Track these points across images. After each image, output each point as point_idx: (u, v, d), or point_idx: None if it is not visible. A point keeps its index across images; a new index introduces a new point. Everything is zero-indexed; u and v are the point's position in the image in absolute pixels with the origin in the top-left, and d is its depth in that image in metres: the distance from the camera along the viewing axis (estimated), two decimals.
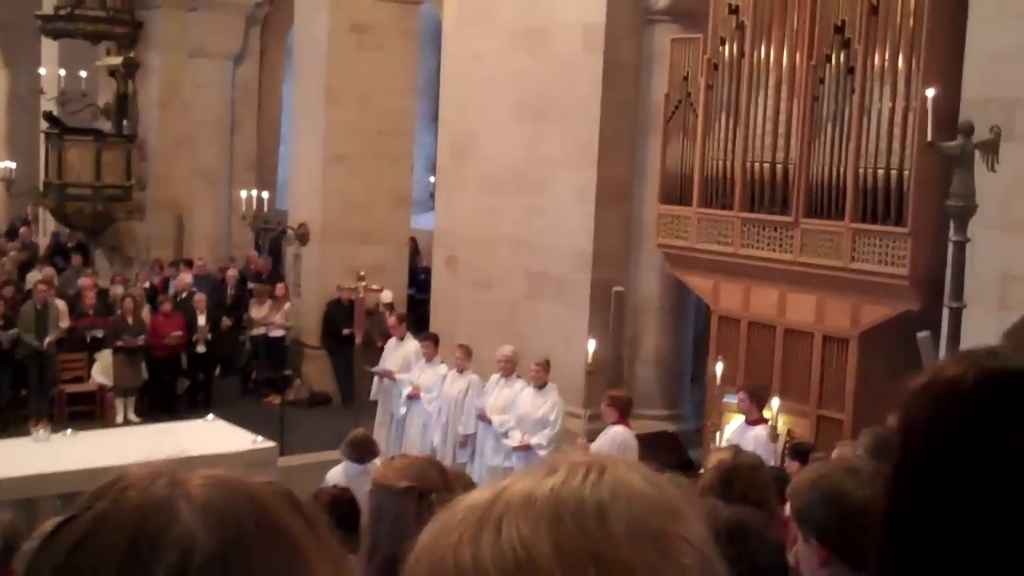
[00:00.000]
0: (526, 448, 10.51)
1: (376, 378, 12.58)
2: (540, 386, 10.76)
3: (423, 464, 2.92)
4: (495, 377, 11.14)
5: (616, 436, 9.33)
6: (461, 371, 11.58)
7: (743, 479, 3.64)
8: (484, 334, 12.31)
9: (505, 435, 10.79)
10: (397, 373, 12.25)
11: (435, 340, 12.17)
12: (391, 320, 13.19)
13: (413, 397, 11.97)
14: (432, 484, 2.81)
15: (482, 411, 11.03)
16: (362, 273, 12.77)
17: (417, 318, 15.14)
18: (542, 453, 10.58)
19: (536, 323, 12.58)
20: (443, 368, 11.85)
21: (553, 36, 12.52)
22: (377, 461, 8.41)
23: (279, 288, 16.29)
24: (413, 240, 18.73)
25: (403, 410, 12.09)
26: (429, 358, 12.02)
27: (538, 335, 12.30)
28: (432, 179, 23.00)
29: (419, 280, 18.95)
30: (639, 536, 0.94)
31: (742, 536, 2.69)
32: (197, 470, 1.05)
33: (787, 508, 2.82)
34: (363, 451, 8.29)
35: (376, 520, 2.90)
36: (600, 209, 12.18)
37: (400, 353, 12.52)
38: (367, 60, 16.19)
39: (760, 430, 9.01)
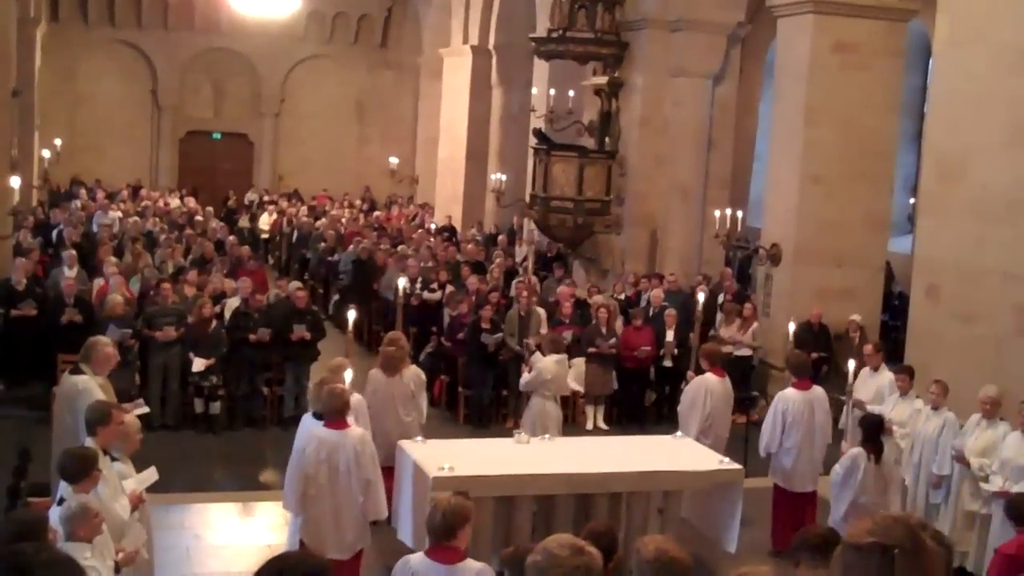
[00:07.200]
0: (1006, 495, 9.83)
1: (845, 407, 12.24)
2: None
3: (890, 521, 2.99)
4: (975, 418, 10.47)
5: None
6: (936, 408, 10.99)
7: None
8: (964, 371, 11.61)
9: (984, 480, 10.16)
10: (868, 404, 11.88)
11: (911, 373, 11.65)
12: (867, 349, 12.78)
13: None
14: (896, 539, 2.88)
15: (959, 452, 10.43)
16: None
17: (890, 345, 14.59)
18: None
19: None
20: (918, 403, 11.32)
21: None
22: None
23: (747, 308, 16.30)
24: (888, 264, 18.08)
25: None
26: (904, 392, 11.55)
27: None
28: (911, 200, 22.14)
29: (893, 306, 18.30)
30: None
31: None
32: None
33: None
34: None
35: None
36: None
37: (873, 384, 12.13)
38: (850, 79, 15.84)
39: None
